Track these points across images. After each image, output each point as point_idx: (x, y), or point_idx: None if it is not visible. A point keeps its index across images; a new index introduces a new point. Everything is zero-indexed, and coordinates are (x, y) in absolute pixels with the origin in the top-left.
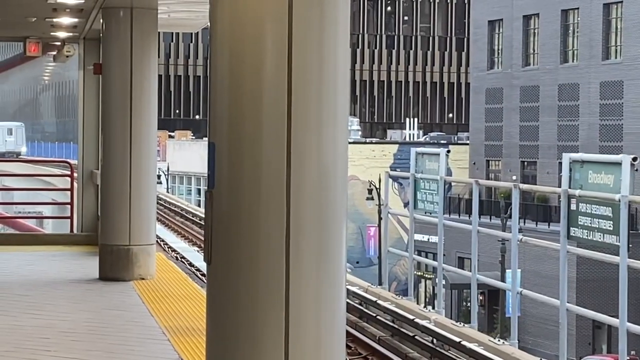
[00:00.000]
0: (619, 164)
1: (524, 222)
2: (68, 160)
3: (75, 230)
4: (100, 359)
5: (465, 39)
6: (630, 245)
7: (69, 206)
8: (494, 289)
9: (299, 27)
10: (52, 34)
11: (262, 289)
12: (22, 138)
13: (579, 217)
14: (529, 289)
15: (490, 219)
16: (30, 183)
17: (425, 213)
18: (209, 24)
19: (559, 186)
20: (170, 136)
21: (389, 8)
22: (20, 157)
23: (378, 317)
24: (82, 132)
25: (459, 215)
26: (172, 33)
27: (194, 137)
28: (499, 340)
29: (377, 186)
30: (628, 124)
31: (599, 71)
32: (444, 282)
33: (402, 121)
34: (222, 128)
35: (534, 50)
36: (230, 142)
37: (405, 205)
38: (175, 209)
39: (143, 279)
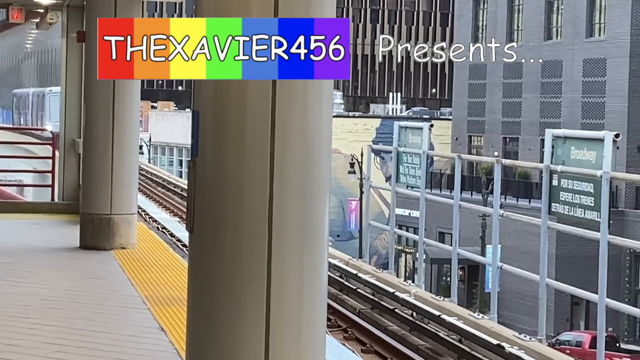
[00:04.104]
0: (601, 140)
1: (505, 198)
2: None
3: (56, 199)
4: (80, 327)
5: (450, 14)
6: (610, 222)
7: (50, 174)
8: (473, 264)
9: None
10: (35, 0)
11: (244, 258)
12: None
13: (560, 192)
14: (509, 264)
15: (472, 194)
16: (11, 151)
17: (407, 187)
18: None
19: (541, 162)
20: (152, 107)
21: None
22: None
23: (358, 290)
24: (64, 100)
25: (440, 191)
26: (156, 3)
27: (176, 108)
28: (478, 315)
29: (359, 160)
30: (610, 102)
31: (582, 48)
32: (424, 256)
33: (385, 95)
34: (207, 96)
35: (518, 27)
36: (215, 110)
37: (387, 179)
38: (157, 179)
39: (124, 248)
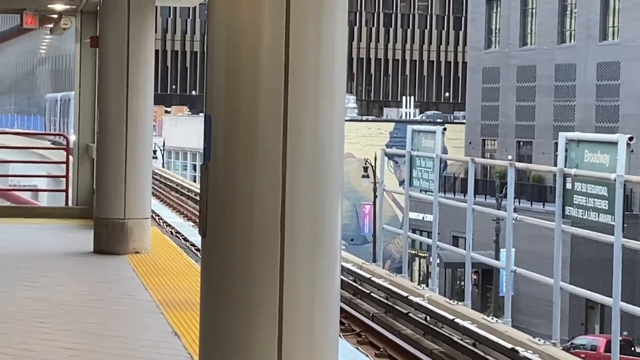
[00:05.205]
0: (615, 143)
1: (519, 202)
2: (64, 133)
3: (70, 204)
4: (93, 331)
5: (463, 18)
6: (625, 225)
7: (64, 179)
8: (487, 268)
9: (297, 3)
10: (49, 6)
11: (257, 262)
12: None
13: (574, 196)
14: (523, 268)
15: (486, 198)
16: (25, 156)
17: (421, 191)
18: None
19: (555, 166)
20: (166, 111)
21: None
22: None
23: (372, 294)
24: (78, 105)
25: (454, 194)
26: (170, 8)
27: (190, 113)
28: (492, 319)
29: (373, 164)
30: (624, 105)
31: (596, 52)
32: (438, 260)
33: (399, 99)
34: (219, 101)
35: (531, 30)
36: (227, 115)
37: (401, 183)
38: (171, 184)
39: (138, 252)
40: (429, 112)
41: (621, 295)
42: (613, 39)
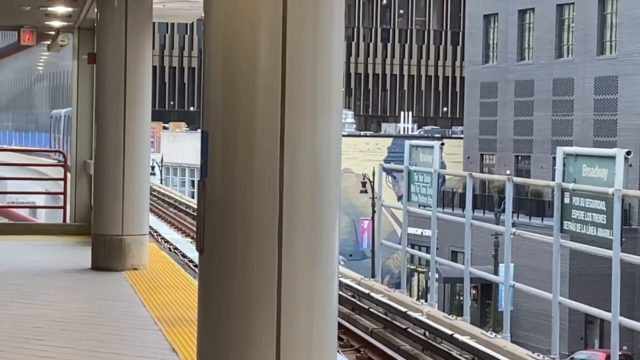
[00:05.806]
0: (612, 157)
1: (518, 217)
2: (62, 150)
3: (68, 220)
4: (91, 348)
5: (461, 33)
6: (623, 240)
7: (62, 196)
8: (487, 283)
9: (294, 19)
10: (46, 23)
11: (254, 279)
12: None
13: (573, 210)
14: (522, 283)
15: (484, 213)
16: (23, 173)
17: (419, 206)
18: (203, 14)
19: (553, 180)
20: (164, 127)
21: (384, 1)
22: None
23: (371, 309)
24: (75, 121)
25: (453, 209)
26: (167, 24)
27: (188, 129)
28: (491, 334)
29: (371, 179)
30: (622, 120)
31: (593, 66)
32: (437, 275)
33: (397, 114)
34: (216, 117)
35: (529, 45)
36: (224, 131)
37: (399, 198)
38: (169, 200)
39: (135, 269)
40: (427, 127)
41: (620, 310)
42: (611, 53)
